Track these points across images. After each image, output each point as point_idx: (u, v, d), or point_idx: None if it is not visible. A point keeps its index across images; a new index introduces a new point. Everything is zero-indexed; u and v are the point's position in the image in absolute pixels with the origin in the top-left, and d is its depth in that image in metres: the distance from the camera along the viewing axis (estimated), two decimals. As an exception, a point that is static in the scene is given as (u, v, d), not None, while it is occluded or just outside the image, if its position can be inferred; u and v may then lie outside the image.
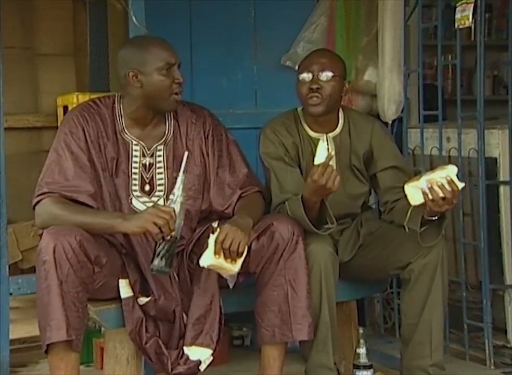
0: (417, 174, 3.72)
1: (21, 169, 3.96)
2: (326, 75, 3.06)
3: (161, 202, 2.89)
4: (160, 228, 2.61)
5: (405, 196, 2.87)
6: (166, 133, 2.95)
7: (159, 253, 2.67)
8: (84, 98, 3.79)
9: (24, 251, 3.90)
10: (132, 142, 2.91)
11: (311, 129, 3.18)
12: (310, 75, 3.07)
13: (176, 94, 2.85)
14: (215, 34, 3.94)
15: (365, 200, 3.27)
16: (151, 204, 2.87)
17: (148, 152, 2.92)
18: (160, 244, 2.67)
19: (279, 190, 3.07)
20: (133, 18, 3.22)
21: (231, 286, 2.83)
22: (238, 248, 2.69)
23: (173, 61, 2.84)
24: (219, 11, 3.95)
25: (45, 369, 3.50)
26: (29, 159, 4.01)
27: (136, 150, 2.90)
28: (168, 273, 2.73)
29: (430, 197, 2.81)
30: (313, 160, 2.89)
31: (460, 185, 2.83)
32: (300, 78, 3.10)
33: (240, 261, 2.72)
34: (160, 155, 2.93)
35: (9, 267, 2.90)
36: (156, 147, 2.93)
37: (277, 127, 3.17)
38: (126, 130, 2.91)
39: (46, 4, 4.03)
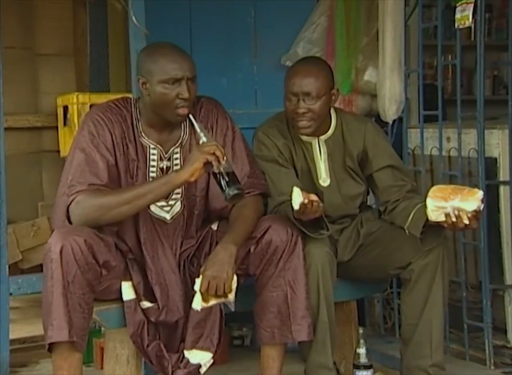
0: (416, 173, 3.76)
1: (21, 169, 3.96)
2: (311, 98, 3.02)
3: (178, 205, 2.89)
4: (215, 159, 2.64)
5: (425, 206, 2.83)
6: (182, 135, 2.92)
7: (225, 180, 2.65)
8: (84, 98, 3.80)
9: (24, 251, 3.91)
10: (150, 146, 2.87)
11: None
12: (295, 99, 3.03)
13: (181, 107, 2.77)
14: (215, 34, 3.94)
15: (362, 200, 3.25)
16: (168, 208, 2.87)
17: (165, 155, 2.89)
18: (220, 176, 2.65)
19: (274, 192, 3.06)
20: (133, 18, 3.21)
21: (233, 310, 2.81)
22: (225, 289, 2.71)
23: (179, 75, 2.75)
24: (219, 11, 3.95)
25: (45, 368, 3.52)
26: (29, 159, 4.01)
27: (153, 154, 2.88)
28: (244, 193, 2.69)
29: (454, 220, 2.78)
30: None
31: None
32: (285, 95, 3.07)
33: (233, 291, 2.73)
34: (176, 158, 2.90)
35: (9, 267, 2.89)
36: (173, 150, 2.90)
37: (269, 130, 3.16)
38: (143, 134, 2.88)
39: (46, 4, 4.04)
